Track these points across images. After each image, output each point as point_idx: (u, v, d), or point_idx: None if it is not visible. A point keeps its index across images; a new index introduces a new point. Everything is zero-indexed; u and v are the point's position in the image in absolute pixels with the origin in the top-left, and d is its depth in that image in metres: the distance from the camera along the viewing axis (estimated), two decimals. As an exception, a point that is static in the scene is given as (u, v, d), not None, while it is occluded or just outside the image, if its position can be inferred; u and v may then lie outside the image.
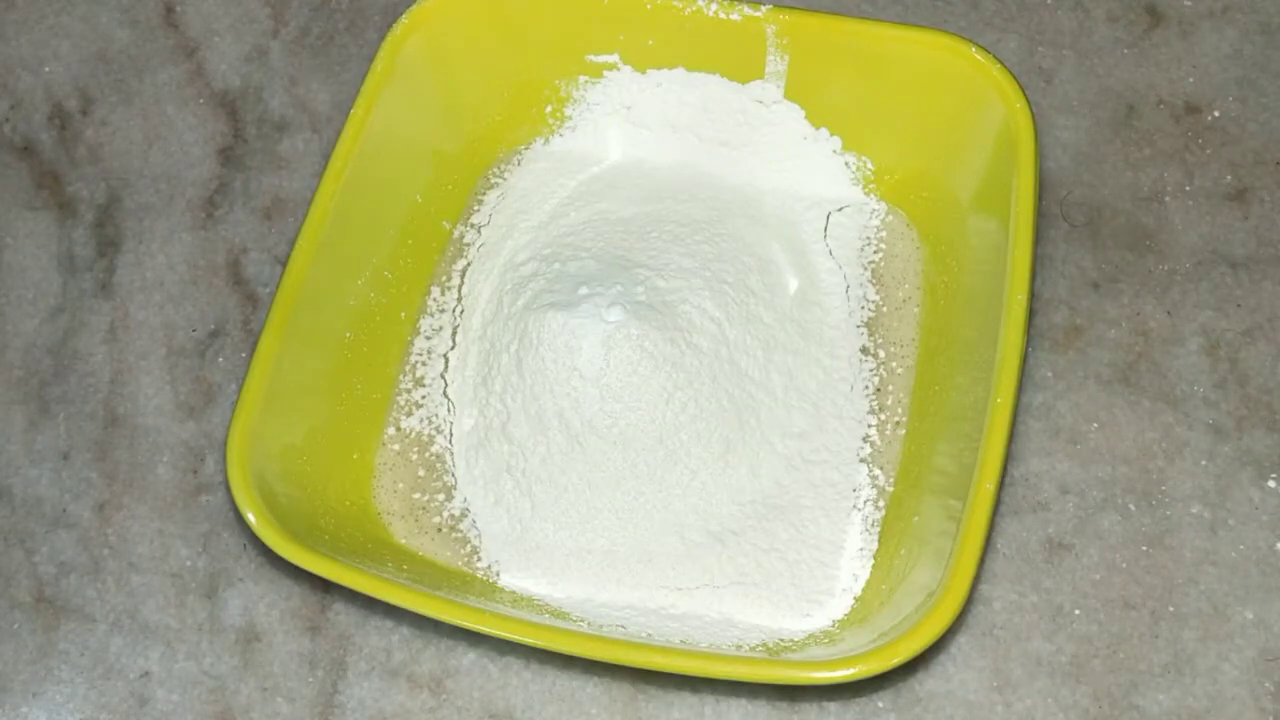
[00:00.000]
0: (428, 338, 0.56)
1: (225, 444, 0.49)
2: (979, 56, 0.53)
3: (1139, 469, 0.53)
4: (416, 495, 0.54)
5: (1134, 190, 0.58)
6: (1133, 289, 0.56)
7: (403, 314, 0.56)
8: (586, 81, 0.59)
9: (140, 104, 0.63)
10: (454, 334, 0.56)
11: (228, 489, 0.49)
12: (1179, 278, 0.56)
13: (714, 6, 0.55)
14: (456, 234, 0.58)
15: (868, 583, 0.50)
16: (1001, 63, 0.53)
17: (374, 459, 0.54)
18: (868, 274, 0.56)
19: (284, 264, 0.52)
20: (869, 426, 0.53)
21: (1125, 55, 0.61)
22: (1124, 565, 0.51)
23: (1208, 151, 0.59)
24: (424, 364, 0.56)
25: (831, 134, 0.58)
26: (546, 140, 0.60)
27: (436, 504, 0.53)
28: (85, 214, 0.61)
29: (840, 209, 0.58)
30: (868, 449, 0.53)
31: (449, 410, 0.55)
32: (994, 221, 0.52)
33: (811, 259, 0.57)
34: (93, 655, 0.52)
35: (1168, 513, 0.52)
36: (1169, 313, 0.56)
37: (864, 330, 0.55)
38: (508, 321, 0.54)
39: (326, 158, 0.54)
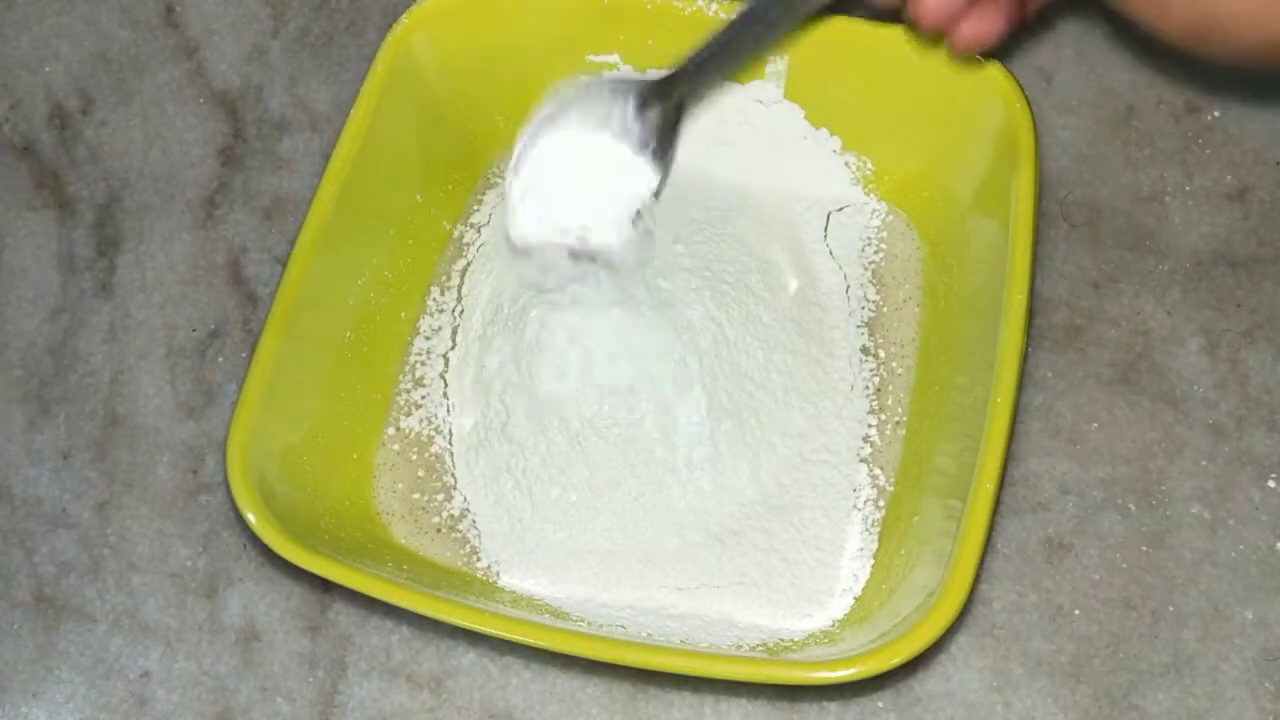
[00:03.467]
0: (428, 338, 0.56)
1: (225, 444, 0.49)
2: (979, 56, 0.53)
3: (1139, 469, 0.53)
4: (416, 495, 0.54)
5: (1134, 190, 0.58)
6: (1133, 289, 0.56)
7: (403, 314, 0.56)
8: (587, 81, 0.59)
9: (140, 104, 0.63)
10: (454, 334, 0.56)
11: (228, 489, 0.49)
12: (1179, 278, 0.56)
13: (714, 6, 0.55)
14: (456, 234, 0.58)
15: (868, 583, 0.50)
16: (1001, 63, 0.53)
17: (374, 459, 0.54)
18: (868, 274, 0.56)
19: (284, 264, 0.52)
20: (869, 426, 0.53)
21: (1125, 55, 0.61)
22: (1124, 565, 0.51)
23: (1208, 151, 0.59)
24: (424, 364, 0.56)
25: (831, 134, 0.57)
26: (547, 140, 0.60)
27: (436, 504, 0.53)
28: (85, 214, 0.61)
29: (840, 209, 0.58)
30: (868, 449, 0.53)
31: (449, 410, 0.55)
32: (994, 221, 0.52)
33: (811, 259, 0.56)
34: (93, 655, 0.52)
35: (1168, 513, 0.52)
36: (1169, 313, 0.55)
37: (864, 330, 0.55)
38: (508, 321, 0.54)
39: (326, 158, 0.54)
